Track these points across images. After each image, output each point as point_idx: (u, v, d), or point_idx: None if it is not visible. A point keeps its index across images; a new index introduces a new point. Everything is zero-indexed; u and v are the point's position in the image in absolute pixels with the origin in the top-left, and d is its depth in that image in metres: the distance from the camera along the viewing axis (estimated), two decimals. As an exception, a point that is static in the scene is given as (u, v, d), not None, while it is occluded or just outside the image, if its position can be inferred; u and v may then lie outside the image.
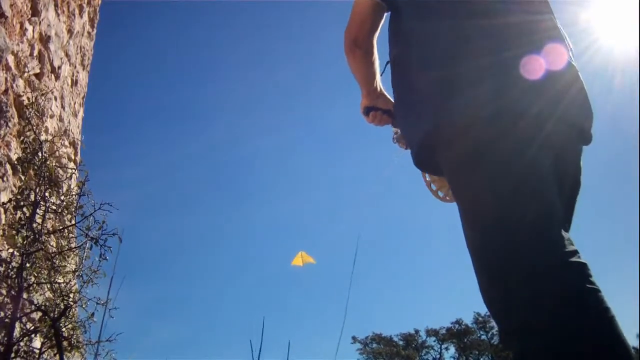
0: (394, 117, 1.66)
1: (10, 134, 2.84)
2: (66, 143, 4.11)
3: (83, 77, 4.74)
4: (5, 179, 2.72)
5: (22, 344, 2.68)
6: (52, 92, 3.62)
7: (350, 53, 1.56)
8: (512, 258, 1.03)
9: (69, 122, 4.20)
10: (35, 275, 2.74)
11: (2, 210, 2.68)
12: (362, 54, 1.56)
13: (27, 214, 2.78)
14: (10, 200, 2.74)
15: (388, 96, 1.68)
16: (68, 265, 3.02)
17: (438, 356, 31.45)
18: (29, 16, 3.13)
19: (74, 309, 3.12)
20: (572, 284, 0.98)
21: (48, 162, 2.95)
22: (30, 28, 3.13)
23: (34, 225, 2.74)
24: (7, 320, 2.51)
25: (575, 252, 1.03)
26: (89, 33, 4.81)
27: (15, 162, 2.85)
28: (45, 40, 3.44)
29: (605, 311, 0.95)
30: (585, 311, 0.95)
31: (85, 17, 4.60)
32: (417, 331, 31.62)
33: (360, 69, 1.60)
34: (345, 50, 1.57)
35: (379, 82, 1.66)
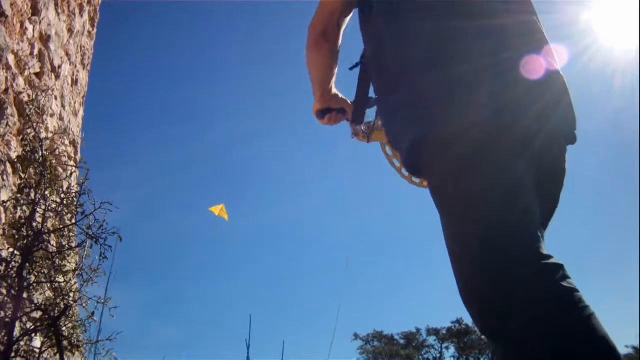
0: (355, 115, 1.63)
1: (10, 132, 2.84)
2: (66, 142, 4.11)
3: (83, 76, 4.74)
4: (4, 177, 2.72)
5: (22, 343, 2.68)
6: (52, 91, 3.62)
7: (315, 47, 1.46)
8: (490, 264, 1.03)
9: (69, 121, 4.20)
10: (35, 274, 2.74)
11: (1, 209, 2.68)
12: (329, 49, 1.47)
13: (27, 213, 2.79)
14: (10, 199, 2.74)
15: (340, 94, 1.64)
16: (68, 264, 3.02)
17: (438, 355, 31.45)
18: (29, 15, 3.13)
19: (74, 308, 3.12)
20: (550, 284, 0.98)
21: (48, 160, 2.95)
22: (30, 27, 3.13)
23: (34, 224, 2.74)
24: (7, 319, 2.51)
25: (549, 256, 1.03)
26: (89, 32, 4.81)
27: (15, 160, 2.85)
28: (45, 39, 3.44)
29: (584, 309, 0.95)
30: (564, 310, 0.95)
31: (86, 16, 4.60)
32: (418, 330, 31.67)
33: (322, 65, 1.52)
34: (308, 44, 1.47)
35: (333, 82, 1.59)
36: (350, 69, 1.57)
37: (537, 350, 0.93)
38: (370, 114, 1.67)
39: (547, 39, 1.32)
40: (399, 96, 1.28)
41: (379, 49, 1.33)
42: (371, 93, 1.60)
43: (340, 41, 1.49)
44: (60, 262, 2.88)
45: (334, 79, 1.58)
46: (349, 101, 1.66)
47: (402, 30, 1.28)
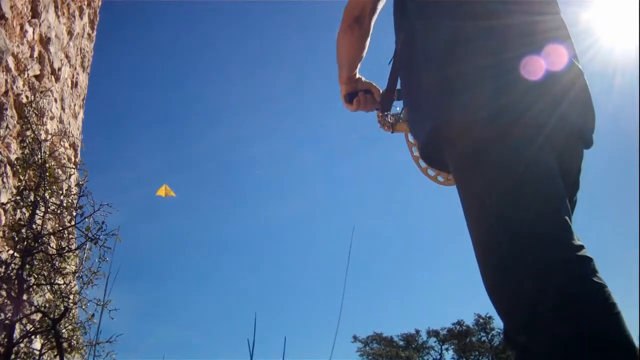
0: (384, 102, 1.65)
1: (10, 135, 2.84)
2: (66, 144, 4.11)
3: (83, 78, 4.74)
4: (4, 179, 2.72)
5: (22, 345, 2.68)
6: (52, 94, 3.62)
7: (349, 30, 1.48)
8: (519, 254, 1.03)
9: (69, 124, 4.20)
10: (35, 276, 2.74)
11: (1, 211, 2.68)
12: (361, 34, 1.49)
13: (27, 215, 2.78)
14: (9, 201, 2.74)
15: (364, 78, 1.66)
16: (68, 266, 3.01)
17: (438, 357, 31.42)
18: (29, 18, 3.13)
19: (74, 310, 3.12)
20: (580, 278, 0.99)
21: (47, 163, 2.95)
22: (30, 30, 3.13)
23: (34, 226, 2.74)
24: (7, 321, 2.51)
25: (581, 247, 1.04)
26: (89, 35, 4.82)
27: (15, 162, 2.85)
28: (45, 41, 3.44)
29: (612, 306, 0.96)
30: (593, 306, 0.96)
31: (86, 18, 4.60)
32: (417, 331, 31.62)
33: (353, 50, 1.54)
34: (342, 27, 1.49)
35: (358, 67, 1.62)
36: (389, 63, 1.58)
37: (563, 343, 0.93)
38: (399, 105, 1.70)
39: (562, 36, 1.33)
40: (416, 93, 1.31)
41: (410, 42, 1.36)
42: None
43: (372, 27, 1.51)
44: (60, 264, 2.88)
45: (360, 63, 1.60)
46: (375, 84, 1.68)
47: (423, 30, 1.31)
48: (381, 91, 1.68)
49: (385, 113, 1.69)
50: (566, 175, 1.22)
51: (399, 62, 1.45)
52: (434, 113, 1.22)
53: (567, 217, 1.09)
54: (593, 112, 1.30)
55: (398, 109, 1.69)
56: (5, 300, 2.55)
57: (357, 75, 1.65)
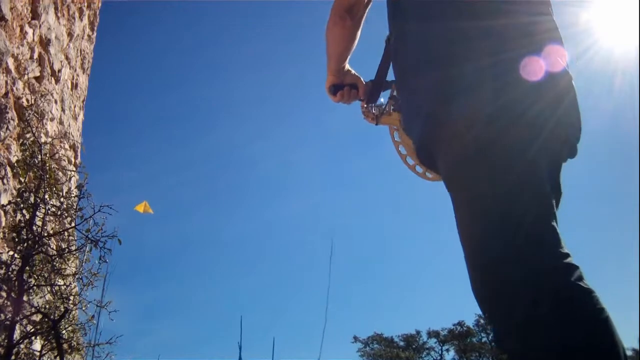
0: (371, 94, 1.63)
1: (11, 136, 2.84)
2: (66, 146, 4.11)
3: (83, 80, 4.74)
4: (5, 181, 2.72)
5: (22, 346, 2.68)
6: (52, 95, 3.62)
7: (340, 22, 1.44)
8: (510, 258, 1.03)
9: (69, 125, 4.20)
10: (36, 277, 2.74)
11: (2, 212, 2.68)
12: (352, 26, 1.45)
13: (27, 217, 2.78)
14: (10, 203, 2.74)
15: (353, 71, 1.64)
16: (68, 267, 3.01)
17: (439, 358, 31.39)
18: (29, 19, 3.13)
19: (74, 312, 3.12)
20: (570, 284, 0.99)
21: (48, 165, 2.95)
22: (30, 31, 3.13)
23: (34, 227, 2.74)
24: (7, 322, 2.51)
25: (568, 255, 1.04)
26: (89, 36, 4.82)
27: (15, 164, 2.85)
28: (45, 43, 3.44)
29: (601, 311, 0.97)
30: (584, 311, 0.97)
31: (85, 20, 4.60)
32: (418, 332, 31.59)
33: (343, 41, 1.50)
34: (332, 18, 1.45)
35: (348, 59, 1.59)
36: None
37: (553, 348, 0.94)
38: (384, 97, 1.68)
39: (559, 37, 1.33)
40: (410, 93, 1.30)
41: (402, 38, 1.35)
42: (389, 76, 1.60)
43: (364, 19, 1.48)
44: (60, 265, 2.88)
45: (350, 55, 1.58)
46: (362, 79, 1.66)
47: (420, 31, 1.30)
48: (365, 84, 1.65)
49: (370, 105, 1.67)
50: (552, 180, 1.22)
51: (391, 62, 1.44)
52: (432, 113, 1.21)
53: (555, 225, 1.09)
54: (580, 121, 1.29)
55: (382, 100, 1.67)
56: (6, 301, 2.55)
57: (347, 68, 1.62)
